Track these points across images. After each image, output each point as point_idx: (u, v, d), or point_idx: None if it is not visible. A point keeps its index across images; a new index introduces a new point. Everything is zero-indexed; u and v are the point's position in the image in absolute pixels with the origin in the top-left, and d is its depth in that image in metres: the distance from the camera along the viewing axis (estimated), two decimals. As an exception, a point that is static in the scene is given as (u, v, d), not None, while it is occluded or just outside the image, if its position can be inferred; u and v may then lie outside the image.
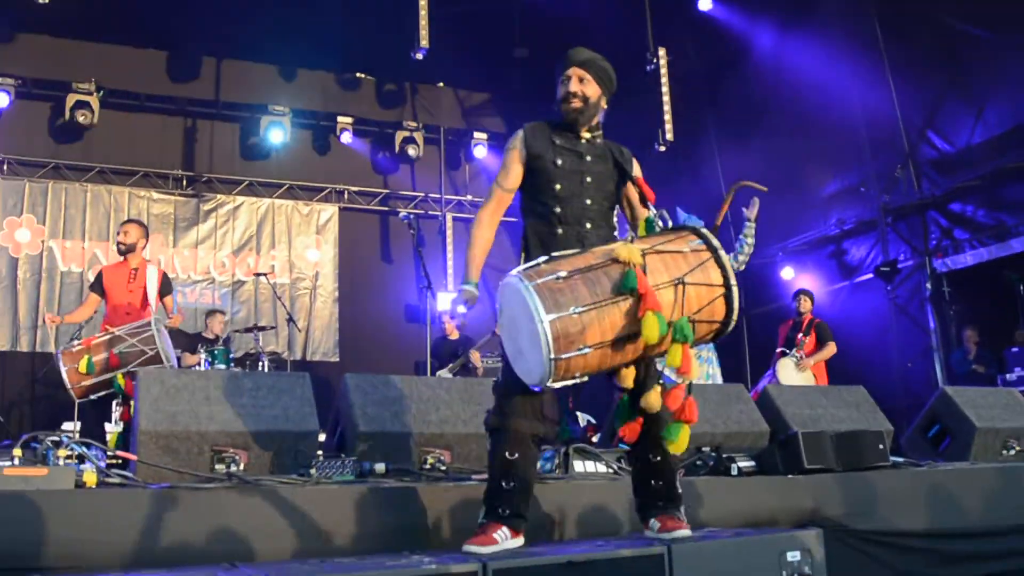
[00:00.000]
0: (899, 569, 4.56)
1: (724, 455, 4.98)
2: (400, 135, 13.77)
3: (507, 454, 3.32)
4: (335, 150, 13.76)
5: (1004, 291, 9.41)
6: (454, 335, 10.32)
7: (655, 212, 3.53)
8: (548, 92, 3.74)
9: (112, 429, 6.50)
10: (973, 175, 9.81)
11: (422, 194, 14.18)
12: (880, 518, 4.66)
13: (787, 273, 11.86)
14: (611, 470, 4.73)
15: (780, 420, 5.86)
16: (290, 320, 11.42)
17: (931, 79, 10.27)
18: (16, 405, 11.00)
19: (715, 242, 3.20)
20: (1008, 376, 8.90)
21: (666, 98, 11.67)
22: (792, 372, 8.61)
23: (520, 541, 3.31)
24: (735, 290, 3.16)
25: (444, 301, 11.91)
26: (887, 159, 10.82)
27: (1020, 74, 9.28)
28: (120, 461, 4.68)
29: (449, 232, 13.92)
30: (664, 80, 11.67)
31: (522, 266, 3.18)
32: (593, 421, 6.45)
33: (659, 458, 3.45)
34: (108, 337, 6.30)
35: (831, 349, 8.94)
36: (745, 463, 4.91)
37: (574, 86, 3.56)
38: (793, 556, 3.39)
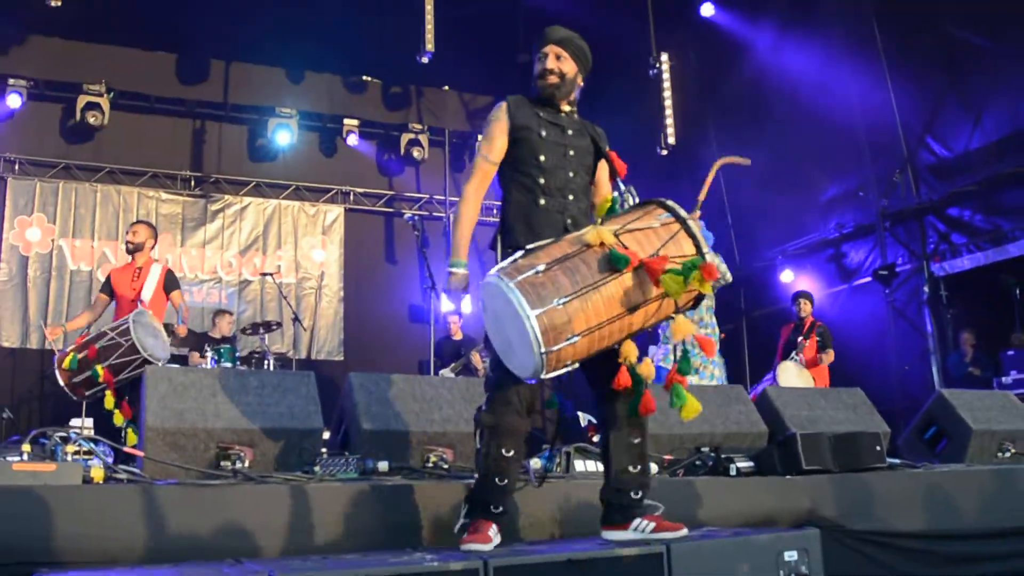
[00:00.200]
0: (896, 569, 4.58)
1: (723, 455, 4.99)
2: (405, 137, 13.82)
3: (503, 451, 3.33)
4: (341, 152, 13.81)
5: (1000, 295, 9.45)
6: (458, 335, 10.37)
7: (625, 188, 3.56)
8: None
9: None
10: (971, 180, 9.83)
11: (427, 196, 14.21)
12: (877, 519, 4.68)
13: (786, 276, 11.89)
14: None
15: (779, 421, 5.87)
16: (296, 319, 11.50)
17: (930, 85, 10.29)
18: (26, 401, 11.08)
19: (683, 213, 3.21)
20: (1004, 379, 8.92)
21: (668, 102, 11.72)
22: (792, 376, 8.63)
23: (499, 537, 3.32)
24: (708, 256, 3.16)
25: (448, 302, 11.93)
26: (886, 164, 10.84)
27: (1018, 81, 9.29)
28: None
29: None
30: (666, 84, 11.73)
31: (500, 264, 3.18)
32: (594, 421, 6.48)
33: (638, 440, 3.42)
34: (94, 335, 6.40)
35: (830, 356, 9.02)
36: (743, 463, 4.93)
37: (551, 63, 3.59)
38: (791, 556, 3.39)
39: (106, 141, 12.41)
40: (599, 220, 3.30)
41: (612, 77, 12.47)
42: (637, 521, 3.38)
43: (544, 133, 3.54)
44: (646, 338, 7.58)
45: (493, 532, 3.28)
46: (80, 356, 6.22)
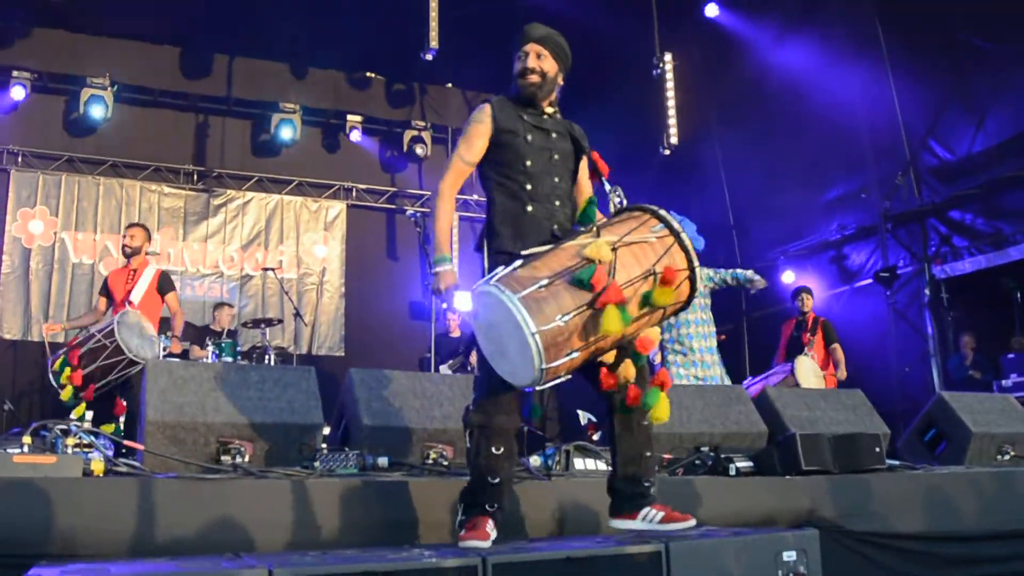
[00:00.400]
0: (894, 571, 4.60)
1: (722, 455, 5.00)
2: (408, 134, 13.83)
3: (493, 449, 3.32)
4: (344, 148, 13.82)
5: (1001, 298, 9.47)
6: (456, 332, 10.37)
7: (611, 188, 3.54)
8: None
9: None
10: (973, 183, 9.83)
11: (429, 193, 14.16)
12: (876, 520, 4.69)
13: (788, 277, 11.88)
14: (611, 467, 4.76)
15: (778, 421, 5.89)
16: (297, 315, 11.52)
17: (933, 87, 10.29)
18: (27, 394, 11.09)
19: (676, 226, 3.21)
20: (1004, 382, 8.92)
21: (671, 102, 11.70)
22: (809, 372, 8.53)
23: (495, 532, 3.31)
24: (698, 271, 3.20)
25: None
26: (888, 166, 10.84)
27: (1021, 84, 9.29)
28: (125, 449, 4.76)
29: (455, 231, 13.96)
30: (669, 84, 11.71)
31: (497, 273, 3.12)
32: (594, 419, 6.48)
33: (646, 421, 3.40)
34: (83, 337, 6.54)
35: (839, 350, 9.00)
36: (743, 463, 4.94)
37: (532, 62, 3.55)
38: (789, 556, 3.38)
39: (109, 134, 12.42)
40: (595, 229, 3.26)
41: (615, 76, 12.51)
42: (646, 510, 3.37)
43: (530, 138, 3.51)
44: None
45: (491, 528, 3.28)
46: (68, 357, 6.36)
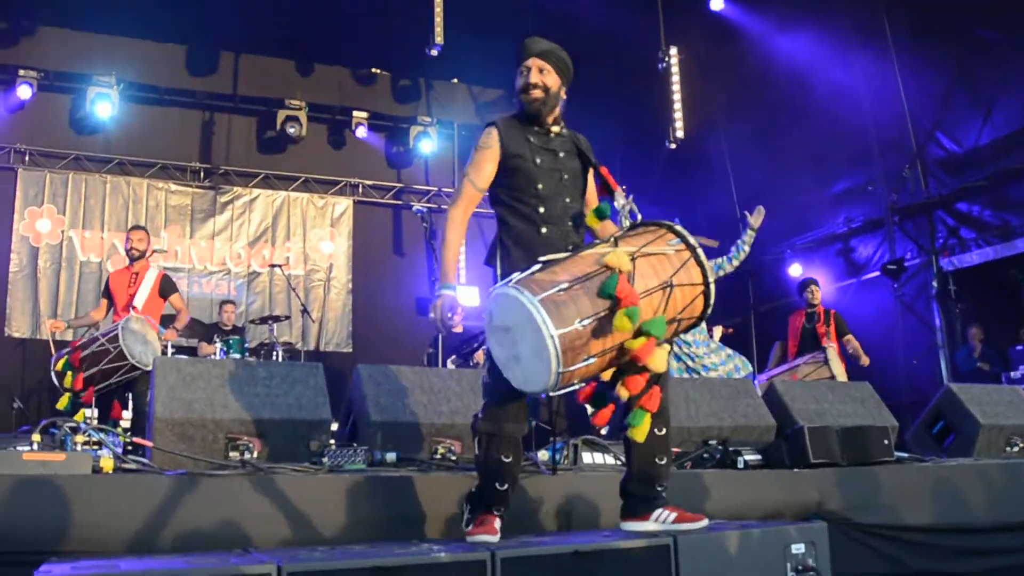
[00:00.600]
0: (903, 563, 4.60)
1: (731, 448, 5.01)
2: (414, 130, 13.84)
3: (502, 457, 3.31)
4: (350, 144, 13.82)
5: (1009, 290, 9.46)
6: (458, 329, 10.37)
7: (623, 202, 3.51)
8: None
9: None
10: (980, 175, 9.81)
11: (435, 188, 14.22)
12: (884, 512, 4.69)
13: (795, 270, 11.87)
14: (619, 462, 4.75)
15: (786, 415, 5.88)
16: (304, 311, 11.55)
17: (940, 79, 10.26)
18: (35, 392, 11.11)
19: (692, 241, 3.20)
20: (1012, 374, 8.89)
21: (677, 96, 11.69)
22: (838, 364, 8.51)
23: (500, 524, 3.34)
24: (712, 287, 3.18)
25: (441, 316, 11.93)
26: (895, 158, 10.82)
27: (1028, 76, 9.31)
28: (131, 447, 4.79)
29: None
30: (675, 78, 11.70)
31: (518, 275, 3.08)
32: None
33: (663, 431, 3.38)
34: (86, 339, 6.58)
35: (853, 340, 8.96)
36: (751, 456, 4.95)
37: (534, 77, 3.49)
38: (798, 549, 3.39)
39: (116, 132, 12.45)
40: (612, 239, 3.24)
41: (621, 70, 12.50)
42: (658, 512, 3.37)
43: (539, 160, 3.48)
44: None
45: (499, 525, 3.30)
46: (71, 359, 6.41)
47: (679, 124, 11.66)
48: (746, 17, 12.04)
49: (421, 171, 14.31)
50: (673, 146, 11.75)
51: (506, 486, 3.34)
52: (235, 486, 3.62)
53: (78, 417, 6.42)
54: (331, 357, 12.45)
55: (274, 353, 9.85)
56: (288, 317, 11.75)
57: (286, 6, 11.54)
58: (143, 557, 3.06)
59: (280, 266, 11.75)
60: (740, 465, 4.87)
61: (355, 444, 4.49)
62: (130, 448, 4.75)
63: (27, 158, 12.06)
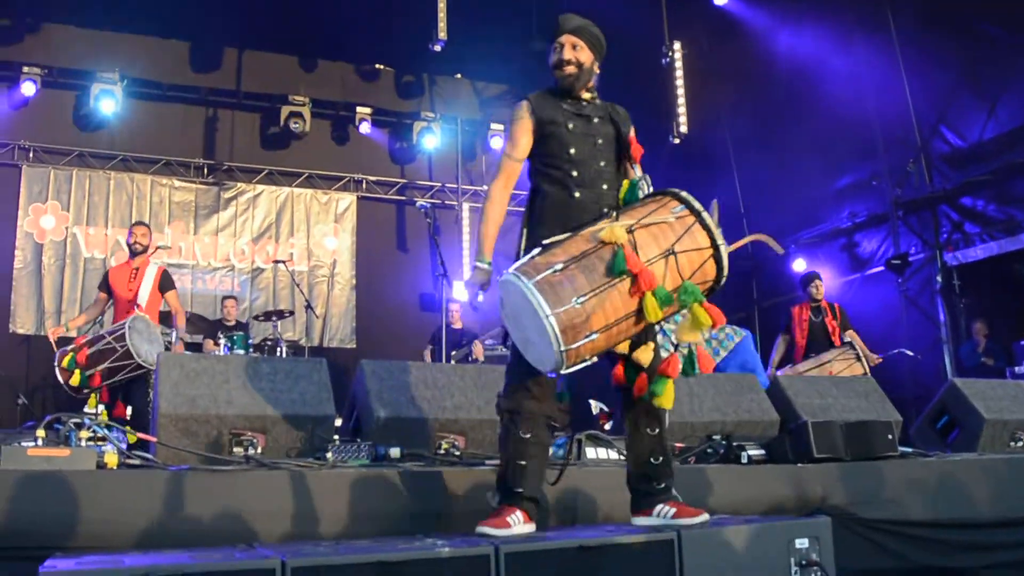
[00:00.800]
0: (907, 558, 4.58)
1: (734, 443, 5.00)
2: (418, 125, 13.85)
3: (521, 433, 3.36)
4: (354, 140, 13.84)
5: (1013, 285, 9.47)
6: (458, 324, 10.37)
7: (639, 175, 3.52)
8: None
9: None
10: (984, 170, 9.82)
11: (439, 184, 14.22)
12: (888, 507, 4.67)
13: (799, 265, 11.85)
14: (622, 457, 4.76)
15: (790, 409, 5.88)
16: (308, 307, 11.57)
17: (944, 74, 10.25)
18: (40, 388, 11.14)
19: (697, 205, 3.22)
20: (1017, 368, 8.90)
21: (681, 91, 11.69)
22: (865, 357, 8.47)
23: (532, 527, 3.33)
24: (723, 248, 3.18)
25: (460, 290, 11.97)
26: (899, 153, 10.82)
27: (1032, 70, 9.29)
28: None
29: (465, 222, 13.95)
30: (679, 73, 11.69)
31: (518, 262, 3.18)
32: (605, 409, 6.49)
33: (656, 431, 3.46)
34: (92, 336, 6.60)
35: (854, 335, 8.93)
36: (755, 451, 4.94)
37: (567, 53, 3.57)
38: (802, 543, 3.39)
39: (120, 129, 12.47)
40: (614, 214, 3.29)
41: (624, 65, 12.43)
42: (660, 507, 3.45)
43: (572, 125, 3.54)
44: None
45: (514, 519, 3.29)
46: (78, 356, 6.43)
47: (683, 119, 11.66)
48: (749, 11, 12.02)
49: (425, 167, 14.31)
50: (677, 141, 11.75)
51: (525, 463, 3.36)
52: (239, 481, 3.62)
53: (91, 404, 6.45)
54: (335, 353, 12.46)
55: (278, 349, 9.87)
56: (292, 313, 11.75)
57: (289, 2, 11.55)
58: (147, 552, 3.05)
59: (284, 262, 11.76)
60: (744, 460, 4.87)
61: (359, 439, 4.50)
62: (134, 443, 4.75)
63: (31, 155, 12.08)
